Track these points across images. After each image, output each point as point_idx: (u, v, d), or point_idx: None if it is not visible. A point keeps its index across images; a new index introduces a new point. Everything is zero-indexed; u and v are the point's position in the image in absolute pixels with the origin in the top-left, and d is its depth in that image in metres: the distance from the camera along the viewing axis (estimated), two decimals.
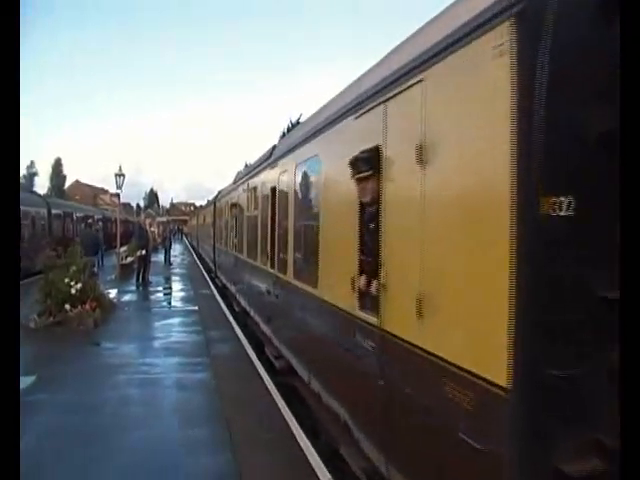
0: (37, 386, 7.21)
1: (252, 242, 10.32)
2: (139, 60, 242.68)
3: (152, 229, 22.24)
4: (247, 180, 11.59)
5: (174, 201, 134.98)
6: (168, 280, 20.79)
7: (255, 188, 10.26)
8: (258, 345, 9.39)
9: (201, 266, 27.01)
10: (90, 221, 33.62)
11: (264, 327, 8.80)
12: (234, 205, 13.68)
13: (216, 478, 4.73)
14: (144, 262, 18.44)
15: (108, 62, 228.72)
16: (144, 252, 18.30)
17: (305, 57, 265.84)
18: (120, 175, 20.35)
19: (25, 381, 7.28)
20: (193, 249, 41.69)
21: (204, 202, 44.11)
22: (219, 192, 21.16)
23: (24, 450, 4.92)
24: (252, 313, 10.28)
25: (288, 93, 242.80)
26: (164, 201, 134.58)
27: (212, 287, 18.52)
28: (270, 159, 8.70)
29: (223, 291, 16.78)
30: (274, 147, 9.12)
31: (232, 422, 5.90)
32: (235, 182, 14.78)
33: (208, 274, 22.08)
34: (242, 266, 11.86)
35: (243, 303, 11.70)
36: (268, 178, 8.76)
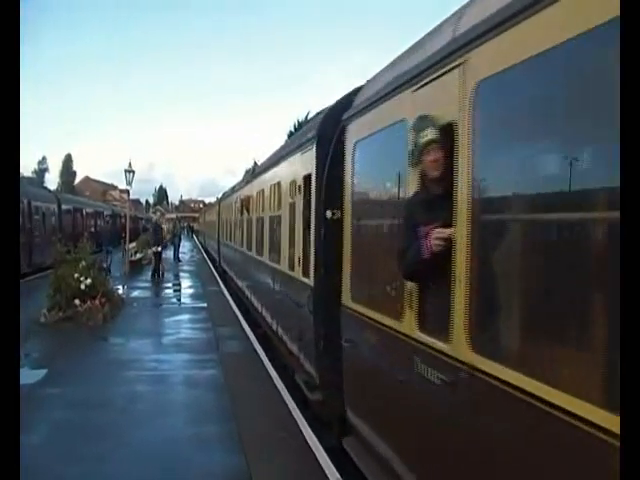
0: (48, 380, 7.33)
1: None
2: (153, 58, 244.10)
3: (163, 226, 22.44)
4: None
5: (183, 198, 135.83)
6: (177, 277, 20.94)
7: None
8: None
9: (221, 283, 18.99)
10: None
11: None
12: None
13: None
14: (159, 258, 18.80)
15: (122, 59, 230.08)
16: (159, 248, 18.66)
17: (313, 56, 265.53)
18: (130, 171, 20.40)
19: (37, 374, 7.47)
20: (206, 252, 35.24)
21: (214, 200, 38.53)
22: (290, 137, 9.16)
23: (36, 443, 5.09)
24: None
25: (296, 93, 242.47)
26: (174, 198, 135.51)
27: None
28: None
29: None
30: None
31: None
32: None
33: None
34: None
35: None
36: None
